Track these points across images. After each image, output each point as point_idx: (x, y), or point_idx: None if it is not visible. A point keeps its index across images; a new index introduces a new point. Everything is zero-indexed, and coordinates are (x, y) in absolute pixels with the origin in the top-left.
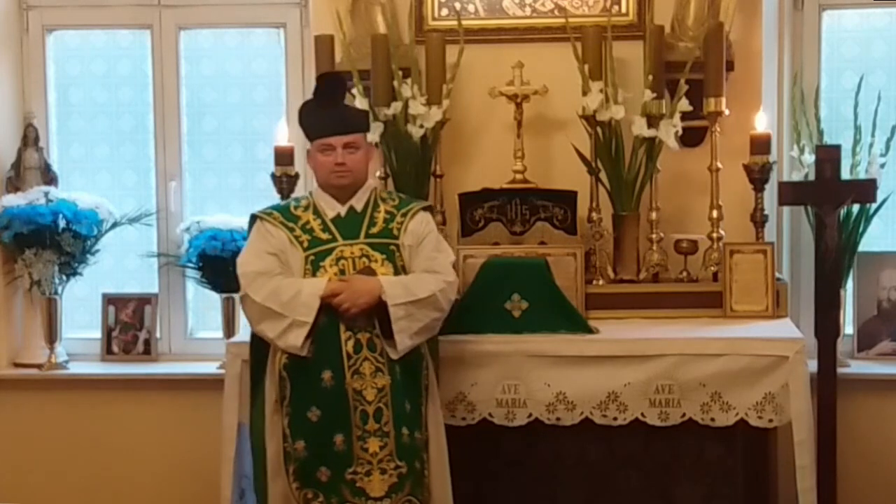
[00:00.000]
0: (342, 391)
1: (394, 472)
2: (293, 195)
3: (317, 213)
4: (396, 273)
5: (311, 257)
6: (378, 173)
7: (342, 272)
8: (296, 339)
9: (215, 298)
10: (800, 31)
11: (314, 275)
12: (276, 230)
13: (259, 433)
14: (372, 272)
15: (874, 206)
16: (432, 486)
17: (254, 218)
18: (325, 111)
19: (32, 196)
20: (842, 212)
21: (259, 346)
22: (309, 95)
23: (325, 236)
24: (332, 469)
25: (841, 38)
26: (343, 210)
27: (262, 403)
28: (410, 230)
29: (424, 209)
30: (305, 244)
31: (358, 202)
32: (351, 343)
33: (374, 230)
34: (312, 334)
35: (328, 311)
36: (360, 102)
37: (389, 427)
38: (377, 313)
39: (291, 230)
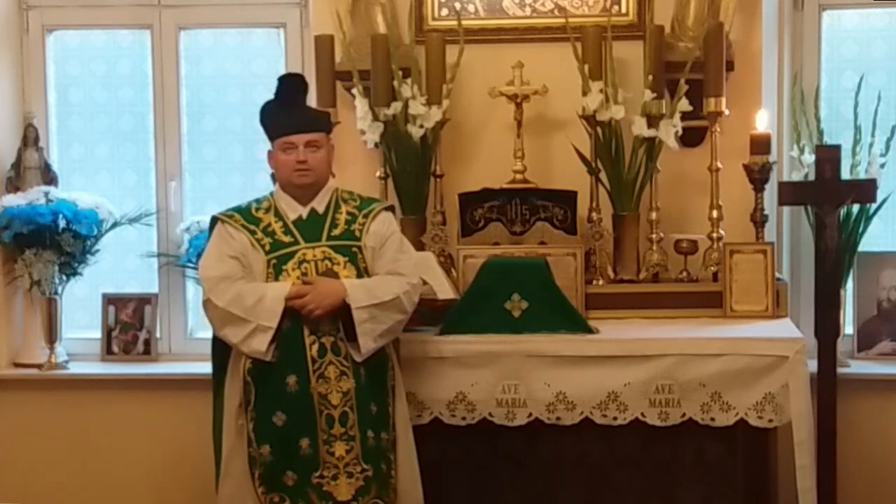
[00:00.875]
0: (307, 395)
1: (360, 475)
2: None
3: (278, 215)
4: (359, 275)
5: (274, 261)
6: (378, 173)
7: (305, 275)
8: (260, 345)
9: None
10: (800, 31)
11: (277, 278)
12: (237, 233)
13: (220, 433)
14: (334, 275)
15: (874, 206)
16: (400, 485)
17: (214, 220)
18: (286, 110)
19: (32, 196)
20: (842, 212)
21: (220, 348)
22: (310, 95)
23: (287, 239)
24: (298, 473)
25: (841, 38)
26: (304, 212)
27: (221, 404)
28: (372, 231)
29: (386, 209)
30: (267, 247)
31: (319, 204)
32: (315, 347)
33: (336, 232)
34: (277, 339)
35: (292, 315)
36: (360, 102)
37: (355, 430)
38: (341, 316)
39: (253, 233)
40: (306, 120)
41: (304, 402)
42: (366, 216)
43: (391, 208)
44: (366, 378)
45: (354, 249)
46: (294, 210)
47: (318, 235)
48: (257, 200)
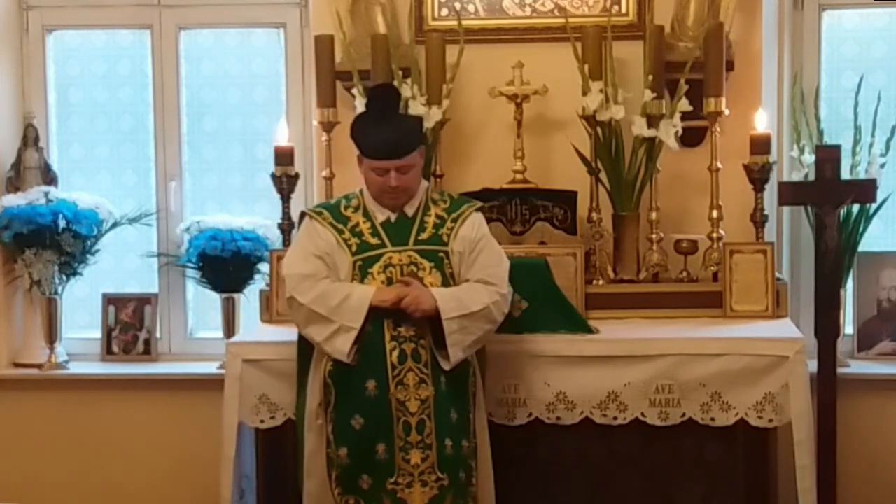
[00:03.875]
0: (385, 401)
1: (434, 484)
2: (343, 193)
3: (367, 215)
4: (444, 280)
5: (359, 263)
6: None
7: (390, 280)
8: (343, 345)
9: (215, 298)
10: (800, 31)
11: (362, 281)
12: (324, 230)
13: (302, 429)
14: (418, 280)
15: (874, 206)
16: (480, 492)
17: (303, 215)
18: (378, 130)
19: (32, 196)
20: (842, 212)
21: (305, 345)
22: (310, 95)
23: (374, 241)
24: (373, 477)
25: (841, 38)
26: (393, 215)
27: (303, 402)
28: (461, 236)
29: (476, 210)
30: (354, 248)
31: (409, 207)
32: (396, 353)
33: (424, 236)
34: (359, 342)
35: (375, 319)
36: (360, 102)
37: (432, 439)
38: (430, 324)
39: (340, 232)
40: (399, 145)
41: (381, 407)
42: (454, 220)
43: (481, 209)
44: (446, 385)
45: (441, 255)
46: (383, 212)
47: (405, 239)
48: (346, 197)
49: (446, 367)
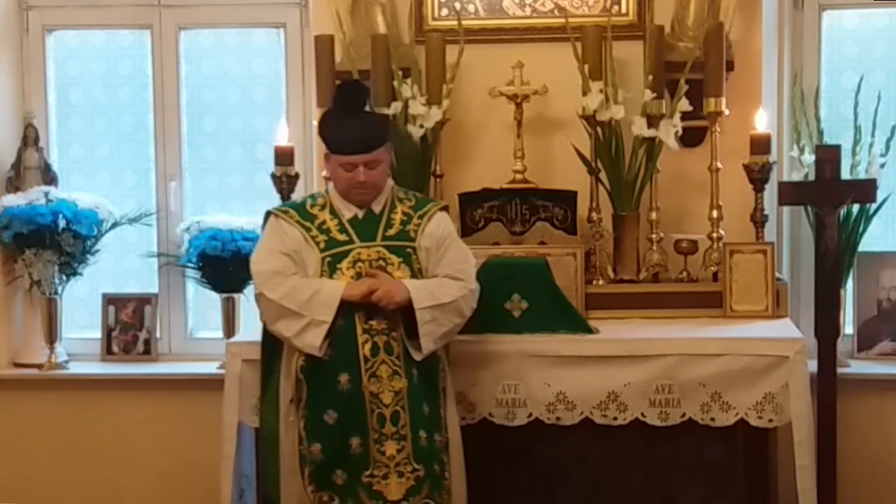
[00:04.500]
0: (359, 394)
1: (411, 475)
2: (309, 193)
3: (333, 212)
4: (413, 276)
5: (328, 259)
6: None
7: (359, 275)
8: (314, 339)
9: (215, 298)
10: (800, 31)
11: (331, 277)
12: (290, 228)
13: (272, 432)
14: (386, 273)
15: (874, 206)
16: (454, 486)
17: (268, 214)
18: (346, 125)
19: (32, 196)
20: (842, 212)
21: (271, 343)
22: (310, 95)
23: (341, 237)
24: (348, 472)
25: (841, 38)
26: (360, 212)
27: (274, 401)
28: (428, 232)
29: (441, 209)
30: (322, 245)
31: (376, 204)
32: (368, 346)
33: (391, 232)
34: (330, 336)
35: (346, 313)
36: None
37: (406, 430)
38: (401, 315)
39: (308, 229)
40: (366, 140)
41: (355, 400)
42: (421, 217)
43: (446, 208)
44: (418, 379)
45: (409, 250)
46: (350, 209)
47: (373, 235)
48: (312, 197)
49: (418, 357)
